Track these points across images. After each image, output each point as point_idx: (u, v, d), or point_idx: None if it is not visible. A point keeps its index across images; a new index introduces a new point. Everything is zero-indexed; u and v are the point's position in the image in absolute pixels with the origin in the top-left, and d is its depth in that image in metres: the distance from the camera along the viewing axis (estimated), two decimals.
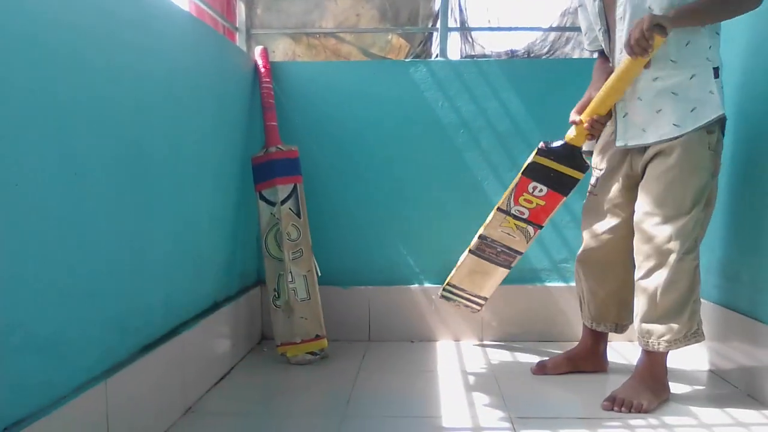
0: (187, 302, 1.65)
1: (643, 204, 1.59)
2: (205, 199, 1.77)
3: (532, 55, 2.69)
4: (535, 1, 2.56)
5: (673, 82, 1.54)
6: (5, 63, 0.95)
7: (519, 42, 2.72)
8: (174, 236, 1.55)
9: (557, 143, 1.77)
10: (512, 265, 1.96)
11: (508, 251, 1.92)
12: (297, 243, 2.02)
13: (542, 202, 1.82)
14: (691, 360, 1.94)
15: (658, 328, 1.56)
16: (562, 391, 1.73)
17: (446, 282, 2.03)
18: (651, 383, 1.59)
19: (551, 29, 2.60)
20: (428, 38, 2.73)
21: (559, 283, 2.22)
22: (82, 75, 1.15)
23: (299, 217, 2.03)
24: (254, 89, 2.18)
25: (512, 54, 2.71)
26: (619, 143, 1.65)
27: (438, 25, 2.43)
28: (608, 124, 1.70)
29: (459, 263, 1.99)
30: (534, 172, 1.80)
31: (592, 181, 1.78)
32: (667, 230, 1.53)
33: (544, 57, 2.67)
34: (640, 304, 1.60)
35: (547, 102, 2.18)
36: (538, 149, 1.78)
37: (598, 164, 1.76)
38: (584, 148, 1.80)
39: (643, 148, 1.61)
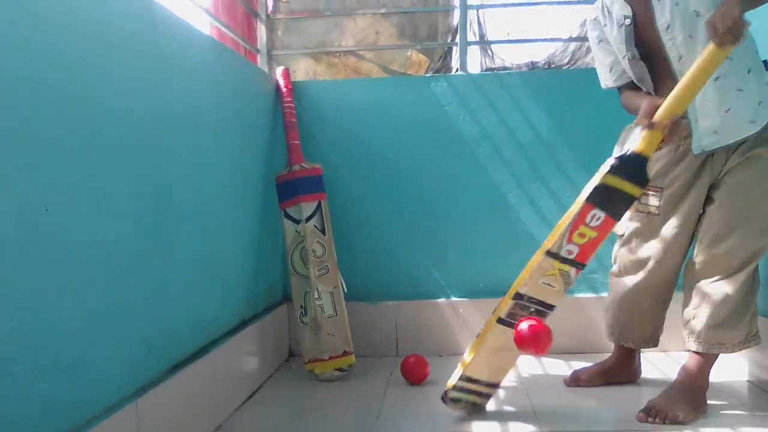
0: (215, 321, 1.67)
1: (722, 214, 1.54)
2: (229, 219, 1.79)
3: (552, 66, 2.68)
4: (554, 12, 2.56)
5: (735, 78, 1.50)
6: (47, 105, 0.98)
7: (539, 53, 2.71)
8: (199, 256, 1.56)
9: (627, 155, 1.54)
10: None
11: (541, 309, 1.58)
12: (322, 260, 2.02)
13: (594, 234, 1.53)
14: (731, 371, 1.89)
15: (721, 333, 1.53)
16: (595, 404, 1.70)
17: (459, 377, 1.60)
18: (690, 394, 1.55)
19: (571, 39, 2.59)
20: (448, 53, 2.73)
21: (588, 294, 2.19)
22: (108, 101, 1.17)
23: (324, 234, 2.04)
24: (276, 109, 2.20)
25: (533, 65, 2.71)
26: (696, 151, 1.55)
27: (457, 39, 2.44)
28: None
29: (477, 344, 1.61)
30: (599, 195, 1.53)
31: (652, 201, 1.65)
32: (742, 250, 1.51)
33: (565, 67, 2.66)
34: (699, 309, 1.56)
35: (569, 112, 2.16)
36: (611, 167, 1.53)
37: (658, 183, 1.63)
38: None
39: (724, 156, 1.55)
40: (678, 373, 1.60)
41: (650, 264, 1.68)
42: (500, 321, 1.57)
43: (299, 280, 2.02)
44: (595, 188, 1.53)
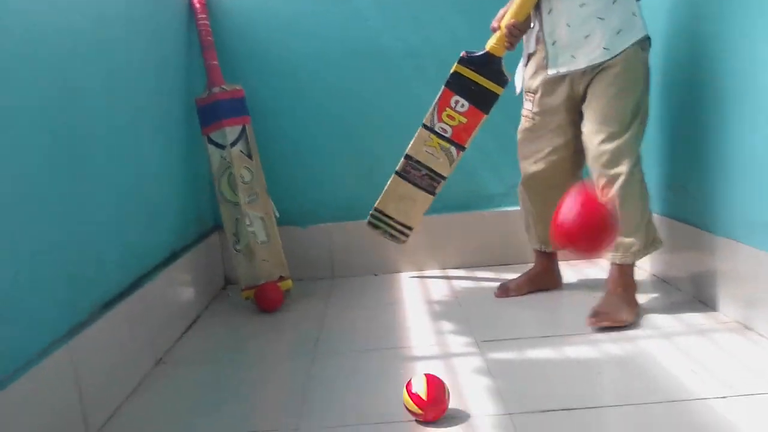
0: (145, 254, 1.62)
1: (588, 123, 1.64)
2: (150, 146, 1.71)
3: None
4: None
5: (598, 6, 1.57)
6: None
7: None
8: (121, 188, 1.49)
9: (478, 53, 1.80)
10: (436, 191, 1.98)
11: (432, 174, 1.95)
12: (251, 185, 1.98)
13: (464, 119, 1.87)
14: (639, 269, 2.03)
15: (623, 240, 1.62)
16: (524, 312, 1.79)
17: (373, 208, 2.04)
18: (626, 296, 1.66)
19: None
20: None
21: (514, 207, 2.24)
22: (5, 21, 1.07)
23: (251, 158, 1.99)
24: (191, 27, 2.07)
25: None
26: (551, 71, 1.67)
27: None
28: (537, 48, 1.70)
29: (386, 187, 2.01)
30: (456, 83, 1.84)
31: (528, 106, 1.78)
32: (613, 146, 1.59)
33: None
34: None
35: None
36: (460, 58, 1.82)
37: (531, 88, 1.76)
38: (517, 81, 1.81)
39: (582, 73, 1.63)
40: (608, 281, 1.70)
41: (532, 165, 1.81)
42: (397, 174, 1.99)
43: (229, 208, 1.98)
44: (450, 75, 1.84)
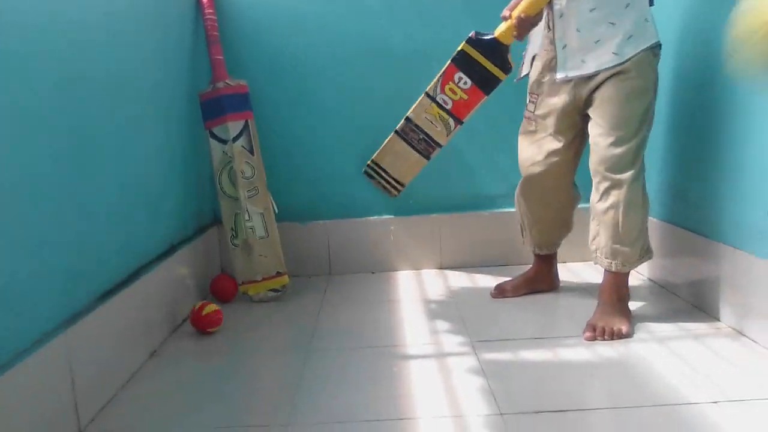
0: (143, 246, 1.63)
1: (597, 126, 1.62)
2: (151, 141, 1.71)
3: None
4: None
5: (610, 11, 1.56)
6: None
7: None
8: (123, 180, 1.50)
9: (487, 36, 1.84)
10: (431, 156, 2.06)
11: (428, 140, 2.03)
12: (252, 181, 1.99)
13: (465, 96, 1.95)
14: (636, 275, 2.03)
15: (622, 249, 1.61)
16: (520, 313, 1.79)
17: (371, 159, 2.13)
18: (620, 305, 1.63)
19: None
20: None
21: (513, 209, 2.25)
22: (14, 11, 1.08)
23: (252, 154, 2.00)
24: (197, 21, 2.08)
25: None
26: (559, 75, 1.65)
27: None
28: (545, 49, 1.69)
29: (384, 143, 2.09)
30: (462, 61, 1.90)
31: (531, 107, 1.77)
32: (622, 151, 1.57)
33: None
34: (600, 227, 1.63)
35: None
36: (468, 38, 1.87)
37: (535, 90, 1.75)
38: (523, 73, 1.81)
39: (587, 77, 1.62)
40: (601, 290, 1.68)
41: (527, 168, 1.81)
42: (396, 132, 2.08)
43: (229, 202, 1.99)
44: (457, 52, 1.91)
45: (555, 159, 1.75)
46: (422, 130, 2.03)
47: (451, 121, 1.99)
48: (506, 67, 1.87)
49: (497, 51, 1.84)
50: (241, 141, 1.99)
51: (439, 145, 2.04)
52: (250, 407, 1.31)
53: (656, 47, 1.58)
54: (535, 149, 1.78)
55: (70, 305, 1.24)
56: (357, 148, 2.22)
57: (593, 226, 1.66)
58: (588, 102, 1.65)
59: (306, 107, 2.21)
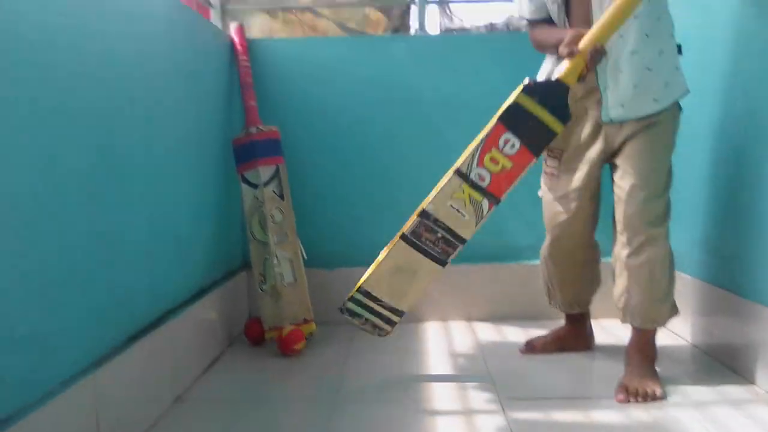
0: (172, 290, 1.63)
1: (629, 177, 1.57)
2: (185, 184, 1.74)
3: (511, 28, 2.67)
4: None
5: (648, 57, 1.54)
6: None
7: (498, 15, 2.69)
8: (154, 222, 1.51)
9: (546, 80, 1.60)
10: (449, 260, 1.59)
11: (449, 238, 1.56)
12: (281, 226, 1.99)
13: (509, 164, 1.52)
14: (670, 335, 1.97)
15: (659, 307, 1.57)
16: (551, 371, 1.75)
17: (356, 287, 1.59)
18: (648, 365, 1.59)
19: None
20: (406, 11, 2.69)
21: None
22: (52, 65, 1.11)
23: (282, 199, 2.01)
24: (232, 68, 2.13)
25: (492, 27, 2.69)
26: (604, 119, 1.59)
27: None
28: (581, 94, 1.61)
29: (379, 259, 1.60)
30: (512, 118, 1.51)
31: (551, 163, 1.71)
32: (658, 205, 1.55)
33: (524, 30, 2.64)
34: (632, 284, 1.58)
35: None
36: (525, 86, 1.52)
37: (558, 145, 1.67)
38: None
39: (619, 125, 1.59)
40: (630, 350, 1.63)
41: (554, 227, 1.75)
42: (404, 238, 1.56)
43: (258, 247, 1.99)
44: (508, 107, 1.51)
45: (580, 217, 1.71)
46: (442, 225, 1.55)
47: (485, 203, 1.54)
48: (566, 115, 1.53)
49: (557, 97, 1.51)
50: (272, 186, 2.00)
51: (463, 242, 1.57)
52: None
53: (682, 99, 1.57)
54: (561, 208, 1.72)
55: (98, 348, 1.24)
56: (383, 195, 2.24)
57: (622, 283, 1.61)
58: (616, 151, 1.61)
59: (335, 154, 2.23)
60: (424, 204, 1.56)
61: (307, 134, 2.22)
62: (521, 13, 1.76)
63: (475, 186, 1.54)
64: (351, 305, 1.60)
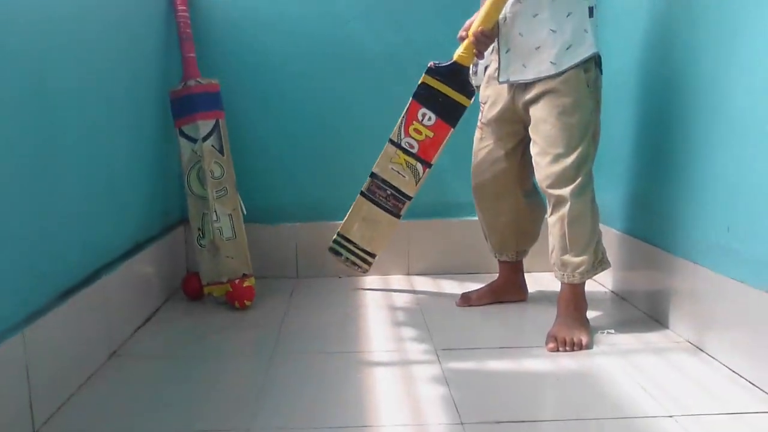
0: (107, 244, 1.60)
1: (534, 145, 1.66)
2: (120, 137, 1.69)
3: None
4: None
5: (551, 17, 1.58)
6: None
7: None
8: (88, 176, 1.47)
9: (446, 63, 1.78)
10: (401, 213, 1.94)
11: (397, 195, 1.91)
12: (221, 181, 1.97)
13: (431, 134, 1.84)
14: (594, 285, 2.07)
15: (571, 260, 1.63)
16: (485, 323, 1.81)
17: (336, 233, 1.99)
18: (578, 315, 1.66)
19: None
20: None
21: None
22: None
23: (222, 154, 1.98)
24: (170, 19, 2.05)
25: None
26: (501, 79, 1.68)
27: None
28: (492, 58, 1.73)
29: (350, 210, 1.97)
30: (424, 95, 1.82)
31: (480, 116, 1.83)
32: (559, 168, 1.60)
33: None
34: (552, 240, 1.67)
35: None
36: (428, 69, 1.80)
37: (482, 99, 1.81)
38: (474, 83, 1.83)
39: (524, 86, 1.65)
40: (558, 301, 1.69)
41: (479, 175, 1.86)
42: (362, 194, 1.94)
43: (197, 202, 1.97)
44: (418, 86, 1.81)
45: (500, 166, 1.80)
46: (389, 184, 1.90)
47: (419, 166, 1.88)
48: (469, 91, 1.80)
49: (458, 76, 1.79)
50: (211, 140, 1.97)
51: (409, 198, 1.92)
52: (210, 411, 1.29)
53: (592, 59, 1.60)
54: (483, 156, 1.83)
55: (29, 304, 1.21)
56: (327, 150, 2.23)
57: (549, 240, 1.69)
58: (526, 117, 1.68)
59: (277, 109, 2.20)
60: (373, 167, 1.90)
61: (248, 88, 2.18)
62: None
63: (407, 152, 1.88)
64: (334, 245, 2.00)
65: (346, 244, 1.99)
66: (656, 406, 1.28)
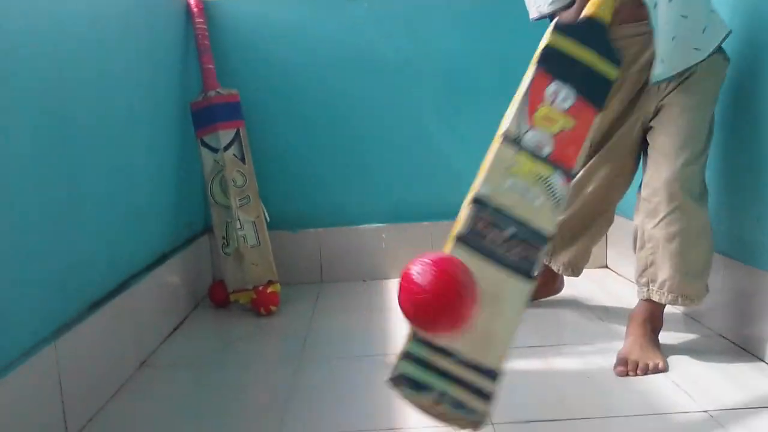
0: (133, 255, 1.62)
1: (667, 138, 1.43)
2: (142, 149, 1.71)
3: None
4: None
5: (680, 3, 1.34)
6: None
7: None
8: (112, 189, 1.49)
9: (576, 21, 1.16)
10: (534, 270, 1.03)
11: (526, 235, 1.03)
12: (243, 189, 1.98)
13: (570, 122, 1.07)
14: None
15: (693, 284, 1.43)
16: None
17: (412, 337, 1.01)
18: (654, 337, 1.48)
19: None
20: None
21: None
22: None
23: (244, 162, 1.99)
24: (188, 31, 2.08)
25: None
26: (664, 75, 1.40)
27: None
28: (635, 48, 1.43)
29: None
30: (553, 62, 1.09)
31: None
32: (695, 169, 1.41)
33: None
34: (661, 257, 1.44)
35: (493, 37, 2.15)
36: (556, 25, 1.11)
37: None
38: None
39: (662, 86, 1.44)
40: (634, 320, 1.51)
41: (573, 187, 1.64)
42: (460, 239, 1.03)
43: (220, 211, 1.98)
44: (543, 51, 1.09)
45: (607, 185, 1.62)
46: (510, 217, 1.02)
47: (556, 179, 1.05)
48: (617, 58, 1.11)
49: (597, 35, 1.11)
50: (233, 149, 1.98)
51: (546, 240, 1.03)
52: (240, 419, 1.29)
53: (724, 43, 1.41)
54: (589, 172, 1.63)
55: (59, 316, 1.23)
56: (347, 155, 2.23)
57: (646, 255, 1.47)
58: (654, 113, 1.47)
59: (297, 116, 2.21)
60: (475, 186, 1.05)
61: (268, 96, 2.19)
62: (538, 11, 1.49)
63: (534, 156, 1.05)
64: (405, 367, 1.00)
65: (434, 357, 1.00)
66: (689, 401, 1.25)
